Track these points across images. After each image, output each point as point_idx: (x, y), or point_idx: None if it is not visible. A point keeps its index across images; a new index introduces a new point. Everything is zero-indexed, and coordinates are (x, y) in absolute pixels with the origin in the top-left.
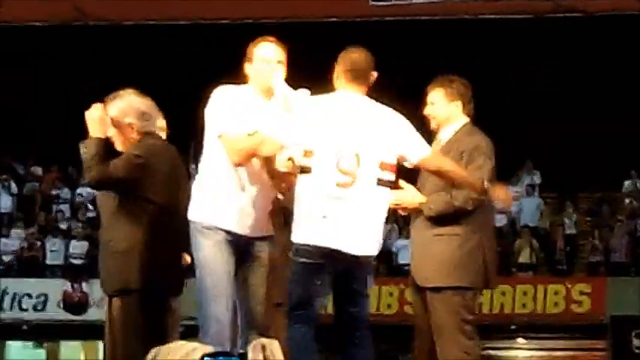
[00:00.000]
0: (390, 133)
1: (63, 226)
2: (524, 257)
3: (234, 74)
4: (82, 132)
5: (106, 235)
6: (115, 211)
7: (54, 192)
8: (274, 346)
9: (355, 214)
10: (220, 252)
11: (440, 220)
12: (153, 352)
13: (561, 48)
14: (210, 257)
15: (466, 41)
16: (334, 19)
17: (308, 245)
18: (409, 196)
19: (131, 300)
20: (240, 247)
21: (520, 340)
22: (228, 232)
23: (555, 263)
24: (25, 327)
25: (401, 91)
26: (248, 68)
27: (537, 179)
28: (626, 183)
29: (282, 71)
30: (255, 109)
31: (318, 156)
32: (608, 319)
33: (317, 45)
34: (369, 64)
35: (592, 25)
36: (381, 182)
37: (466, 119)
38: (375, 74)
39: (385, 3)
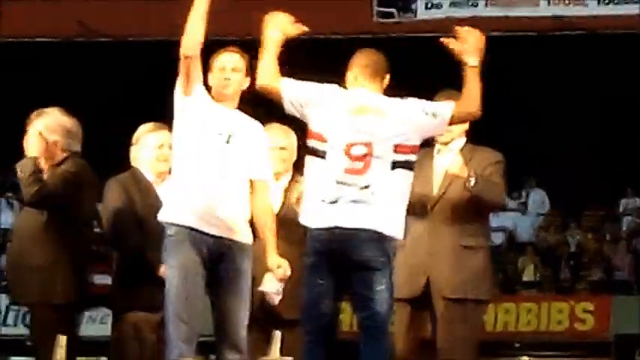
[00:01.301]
0: (403, 116)
1: None
2: (528, 275)
3: None
4: (89, 146)
5: (26, 250)
6: (41, 226)
7: None
8: None
9: (365, 198)
10: (183, 269)
11: (466, 228)
12: None
13: (563, 65)
14: (173, 278)
15: None
16: (339, 36)
17: (316, 229)
18: (461, 163)
19: (52, 313)
20: (210, 251)
21: (524, 358)
22: (192, 230)
23: (559, 281)
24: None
25: None
26: (209, 79)
27: (538, 195)
28: (623, 201)
29: (236, 79)
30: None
31: (330, 143)
32: (613, 338)
33: (322, 61)
34: (385, 65)
35: (595, 42)
36: (397, 165)
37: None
38: (388, 76)
39: (390, 20)
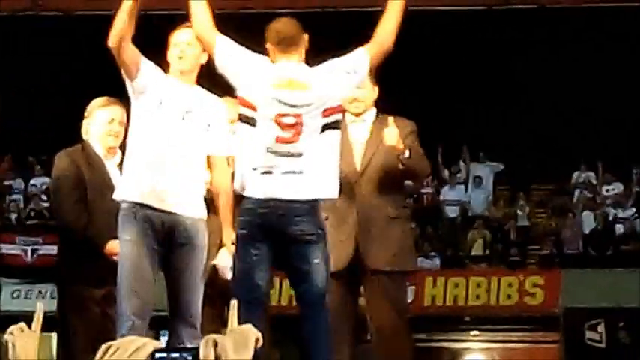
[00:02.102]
0: (331, 83)
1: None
2: (477, 249)
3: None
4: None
5: None
6: None
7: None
8: (227, 343)
9: (299, 167)
10: (135, 245)
11: (391, 199)
12: (104, 347)
13: (513, 39)
14: (125, 253)
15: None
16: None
17: (250, 200)
18: (394, 132)
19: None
20: (162, 227)
21: (474, 332)
22: (143, 206)
23: (508, 255)
24: None
25: None
26: (167, 55)
27: (485, 171)
28: (575, 174)
29: (192, 53)
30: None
31: (260, 112)
32: (561, 312)
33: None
34: (299, 30)
35: (544, 16)
36: (327, 127)
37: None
38: (306, 37)
39: None
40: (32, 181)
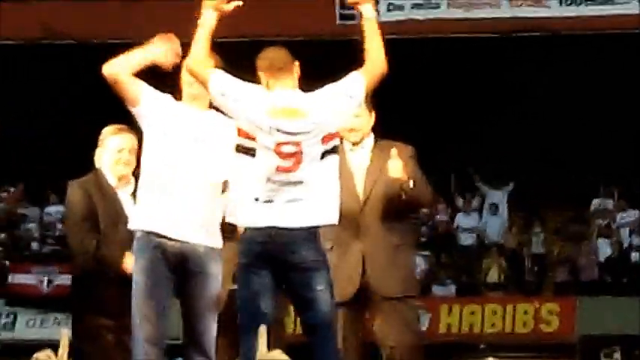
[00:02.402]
0: (328, 109)
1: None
2: (492, 276)
3: None
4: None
5: None
6: None
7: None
8: None
9: (300, 194)
10: (148, 274)
11: (396, 226)
12: None
13: (525, 66)
14: (138, 282)
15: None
16: (302, 38)
17: (250, 229)
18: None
19: None
20: (175, 255)
21: (489, 359)
22: (157, 235)
23: (524, 282)
24: None
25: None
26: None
27: (499, 198)
28: (595, 201)
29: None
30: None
31: (260, 142)
32: (578, 339)
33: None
34: (289, 57)
35: (557, 43)
36: (326, 153)
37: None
38: (297, 64)
39: (352, 22)
40: (47, 210)
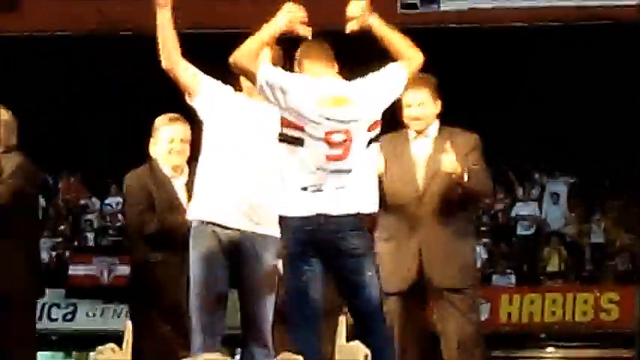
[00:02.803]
0: (373, 97)
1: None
2: (552, 265)
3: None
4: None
5: None
6: None
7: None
8: None
9: (348, 182)
10: (204, 262)
11: (454, 217)
12: None
13: (588, 55)
14: (194, 270)
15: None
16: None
17: (294, 218)
18: (453, 159)
19: None
20: (231, 244)
21: (549, 349)
22: (212, 224)
23: (584, 271)
24: (54, 337)
25: None
26: None
27: (561, 186)
28: None
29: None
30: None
31: (308, 131)
32: (638, 329)
33: (350, 51)
34: (330, 48)
35: (620, 32)
36: (371, 141)
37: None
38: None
39: (413, 11)
40: (107, 201)
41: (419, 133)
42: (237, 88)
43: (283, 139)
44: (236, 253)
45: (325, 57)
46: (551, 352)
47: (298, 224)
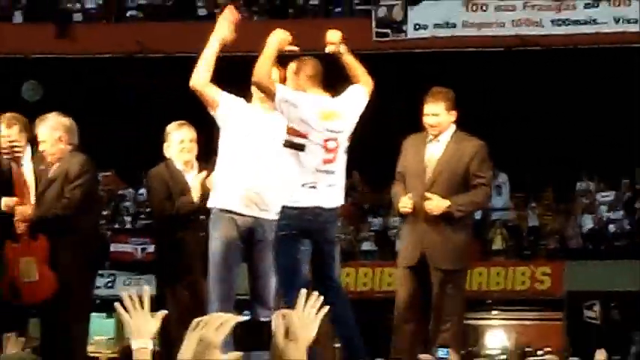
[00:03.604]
0: (352, 113)
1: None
2: (497, 245)
3: None
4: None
5: None
6: None
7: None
8: (293, 315)
9: (334, 181)
10: (223, 242)
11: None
12: (194, 322)
13: (526, 76)
14: (215, 248)
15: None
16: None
17: (294, 208)
18: (438, 203)
19: None
20: (246, 227)
21: (494, 312)
22: (234, 213)
23: (522, 249)
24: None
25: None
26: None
27: (503, 180)
28: (578, 184)
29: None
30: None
31: (310, 138)
32: (565, 295)
33: (330, 73)
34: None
35: (550, 56)
36: (346, 149)
37: (454, 125)
38: None
39: (385, 39)
40: (140, 191)
41: (434, 136)
42: (249, 99)
43: (288, 144)
44: (249, 236)
45: (320, 74)
46: (495, 315)
47: (297, 213)
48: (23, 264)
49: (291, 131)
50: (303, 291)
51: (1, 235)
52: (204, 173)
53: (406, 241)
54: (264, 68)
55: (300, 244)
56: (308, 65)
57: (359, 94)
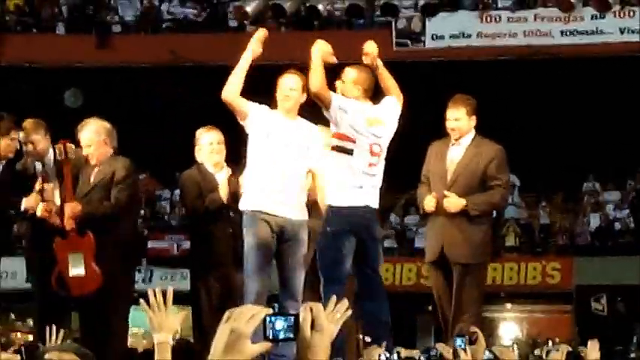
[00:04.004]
0: (391, 120)
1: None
2: (510, 241)
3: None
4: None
5: None
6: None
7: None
8: (319, 308)
9: (377, 183)
10: (259, 241)
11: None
12: (227, 313)
13: (536, 84)
14: (251, 246)
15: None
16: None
17: (344, 207)
18: (455, 201)
19: None
20: (277, 227)
21: (507, 305)
22: (264, 214)
23: (534, 246)
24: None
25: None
26: (276, 95)
27: (516, 181)
28: (585, 184)
29: (294, 95)
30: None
31: (358, 143)
32: (574, 289)
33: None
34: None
35: (559, 66)
36: (386, 155)
37: (473, 130)
38: None
39: (405, 49)
40: (175, 192)
41: (456, 140)
42: (273, 106)
43: (338, 149)
44: (280, 234)
45: (371, 87)
46: (509, 307)
47: (347, 212)
48: (72, 259)
49: (341, 136)
50: (334, 297)
51: (36, 233)
52: (230, 172)
53: (429, 237)
54: (317, 79)
55: (347, 241)
56: (367, 78)
57: (395, 104)
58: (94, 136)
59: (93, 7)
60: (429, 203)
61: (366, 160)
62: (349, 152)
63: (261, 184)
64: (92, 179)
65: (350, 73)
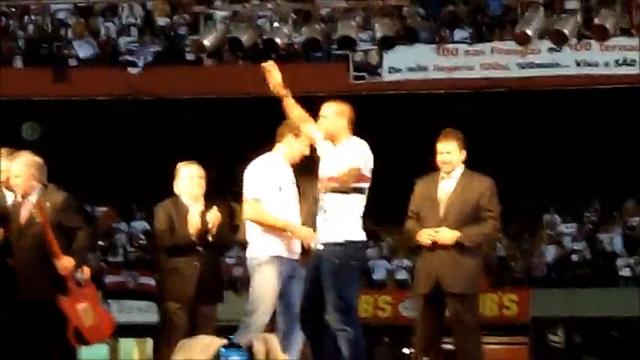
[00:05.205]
0: None
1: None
2: None
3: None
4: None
5: None
6: None
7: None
8: (274, 340)
9: None
10: (272, 285)
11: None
12: (180, 343)
13: (494, 116)
14: (265, 291)
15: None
16: (323, 94)
17: (361, 242)
18: (450, 234)
19: None
20: (288, 269)
21: None
22: (277, 258)
23: (491, 277)
24: None
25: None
26: None
27: None
28: (545, 216)
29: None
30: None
31: (367, 184)
32: (530, 320)
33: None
34: None
35: (516, 98)
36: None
37: (462, 164)
38: None
39: (362, 82)
40: (133, 224)
41: (447, 174)
42: (272, 144)
43: (357, 190)
44: (289, 277)
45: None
46: None
47: (362, 246)
48: (82, 311)
49: (363, 178)
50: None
51: None
52: (202, 208)
53: (421, 270)
54: (301, 119)
55: (360, 277)
56: (351, 110)
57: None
58: (24, 168)
59: (50, 41)
60: (424, 237)
61: (365, 198)
62: (363, 192)
63: (273, 232)
64: (27, 211)
65: (334, 106)
